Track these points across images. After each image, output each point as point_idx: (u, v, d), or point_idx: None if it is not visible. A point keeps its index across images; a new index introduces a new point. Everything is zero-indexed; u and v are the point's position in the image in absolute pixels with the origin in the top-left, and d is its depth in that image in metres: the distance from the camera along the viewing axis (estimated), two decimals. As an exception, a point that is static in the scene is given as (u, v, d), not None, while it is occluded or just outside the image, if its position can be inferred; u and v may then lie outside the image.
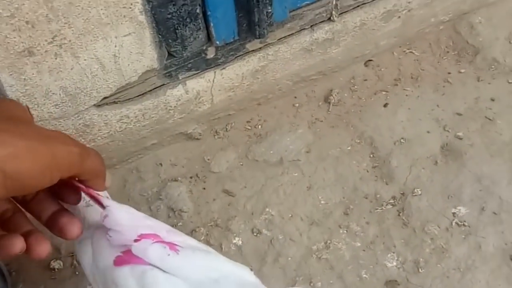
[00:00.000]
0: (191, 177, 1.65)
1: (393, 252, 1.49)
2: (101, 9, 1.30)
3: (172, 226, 1.56)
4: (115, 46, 1.38)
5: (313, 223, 1.55)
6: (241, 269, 0.99)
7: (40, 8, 1.18)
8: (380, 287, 1.45)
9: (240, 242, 1.53)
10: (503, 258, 1.46)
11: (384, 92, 1.81)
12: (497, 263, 1.46)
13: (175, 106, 1.59)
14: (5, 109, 0.88)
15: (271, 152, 1.68)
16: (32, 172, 0.72)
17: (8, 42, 1.21)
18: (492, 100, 1.78)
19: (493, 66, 1.85)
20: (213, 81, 1.60)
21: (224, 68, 1.60)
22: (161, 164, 1.67)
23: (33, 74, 1.30)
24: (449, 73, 1.85)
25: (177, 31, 1.45)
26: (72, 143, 0.81)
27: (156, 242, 0.92)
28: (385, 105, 1.78)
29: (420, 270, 1.46)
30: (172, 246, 0.93)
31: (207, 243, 1.52)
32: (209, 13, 1.45)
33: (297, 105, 1.79)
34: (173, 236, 0.98)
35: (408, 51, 1.90)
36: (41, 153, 0.74)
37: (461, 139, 1.69)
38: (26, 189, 0.74)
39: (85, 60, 1.37)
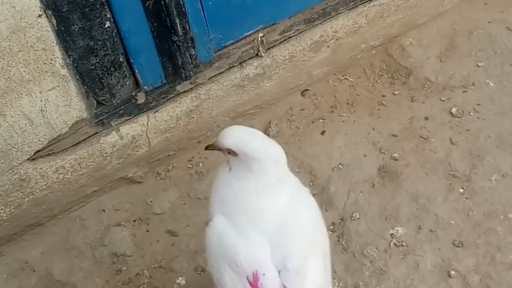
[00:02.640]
0: (134, 221, 1.66)
1: (334, 279, 1.51)
2: (22, 67, 1.33)
3: (117, 271, 1.57)
4: (41, 101, 1.41)
5: (255, 256, 1.57)
6: None
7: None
8: (324, 315, 1.46)
9: (184, 282, 1.54)
10: (441, 275, 1.49)
11: (321, 120, 1.85)
12: (435, 280, 1.48)
13: (111, 153, 1.62)
14: None
15: (212, 188, 1.71)
16: None
17: None
18: (426, 119, 1.82)
19: (426, 86, 1.90)
20: (147, 124, 1.63)
21: (157, 111, 1.63)
22: (103, 210, 1.68)
23: (-44, 136, 1.33)
24: (383, 96, 1.90)
25: (102, 80, 1.49)
26: None
27: None
28: (323, 133, 1.82)
29: (360, 294, 1.48)
30: None
31: (151, 285, 1.54)
32: (132, 60, 1.49)
33: (237, 140, 1.82)
34: None
35: (343, 78, 1.95)
36: None
37: (397, 160, 1.72)
38: None
39: (12, 117, 1.40)
